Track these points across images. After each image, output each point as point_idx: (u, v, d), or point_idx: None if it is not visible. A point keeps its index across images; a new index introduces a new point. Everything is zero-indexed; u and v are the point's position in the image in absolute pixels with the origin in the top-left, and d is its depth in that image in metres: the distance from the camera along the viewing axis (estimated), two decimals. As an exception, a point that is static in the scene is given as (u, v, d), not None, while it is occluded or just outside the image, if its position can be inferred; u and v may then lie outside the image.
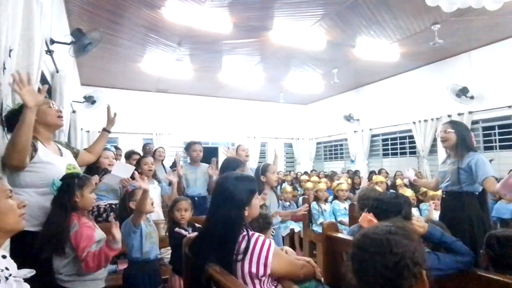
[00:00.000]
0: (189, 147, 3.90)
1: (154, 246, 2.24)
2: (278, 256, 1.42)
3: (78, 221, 1.75)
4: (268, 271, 1.37)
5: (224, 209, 1.45)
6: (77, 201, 1.80)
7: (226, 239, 1.40)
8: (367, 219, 1.66)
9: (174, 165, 4.05)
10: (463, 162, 2.48)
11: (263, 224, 1.87)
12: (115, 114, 2.53)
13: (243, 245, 1.40)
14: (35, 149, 1.81)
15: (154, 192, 3.01)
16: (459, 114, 6.85)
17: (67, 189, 1.78)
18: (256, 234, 1.45)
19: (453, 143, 2.58)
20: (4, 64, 1.57)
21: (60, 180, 1.80)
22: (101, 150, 2.58)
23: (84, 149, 2.52)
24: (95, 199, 2.01)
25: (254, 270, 1.36)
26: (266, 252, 1.38)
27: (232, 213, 1.44)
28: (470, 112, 6.72)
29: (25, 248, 1.57)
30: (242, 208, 1.48)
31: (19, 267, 1.24)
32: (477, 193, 2.48)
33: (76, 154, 2.26)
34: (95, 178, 2.76)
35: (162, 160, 5.00)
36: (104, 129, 2.52)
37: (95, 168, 2.90)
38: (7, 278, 1.10)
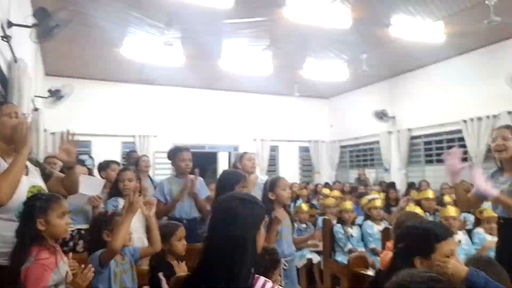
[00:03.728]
0: (174, 155, 3.66)
1: None
2: None
3: (36, 256, 1.72)
4: None
5: (232, 240, 1.34)
6: (41, 229, 1.78)
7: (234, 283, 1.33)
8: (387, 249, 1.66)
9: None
10: None
11: (269, 262, 1.81)
12: (73, 140, 2.20)
13: None
14: None
15: (137, 215, 2.95)
16: (522, 111, 6.76)
17: (28, 215, 1.77)
18: (262, 279, 1.38)
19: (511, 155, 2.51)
20: None
21: (23, 204, 1.79)
22: (76, 187, 2.34)
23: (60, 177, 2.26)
24: (69, 224, 1.97)
25: None
26: None
27: (240, 248, 1.34)
28: (536, 108, 6.63)
29: None
30: (253, 242, 1.38)
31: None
32: None
33: (47, 176, 2.21)
34: None
35: (148, 172, 4.98)
36: (65, 167, 2.25)
37: None
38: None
